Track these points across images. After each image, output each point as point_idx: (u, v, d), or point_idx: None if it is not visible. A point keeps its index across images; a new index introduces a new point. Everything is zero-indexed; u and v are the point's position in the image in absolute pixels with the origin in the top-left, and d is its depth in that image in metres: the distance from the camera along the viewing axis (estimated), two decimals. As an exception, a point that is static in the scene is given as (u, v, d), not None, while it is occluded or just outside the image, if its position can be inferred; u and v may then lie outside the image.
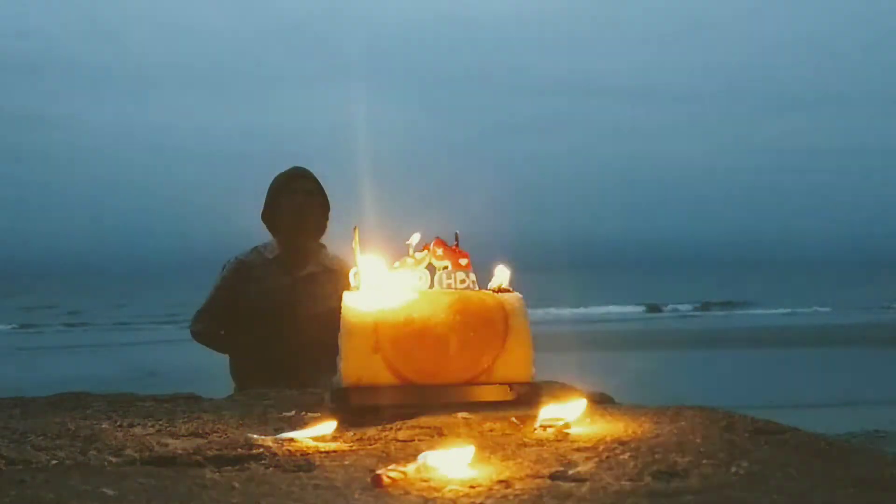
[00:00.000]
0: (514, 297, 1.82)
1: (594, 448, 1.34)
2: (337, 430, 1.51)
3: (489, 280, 1.88)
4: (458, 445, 1.29)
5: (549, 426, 1.52)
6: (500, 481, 1.15)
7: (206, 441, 1.44)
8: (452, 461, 1.24)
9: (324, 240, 3.33)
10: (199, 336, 3.26)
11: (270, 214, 3.28)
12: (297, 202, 3.19)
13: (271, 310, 3.10)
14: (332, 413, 1.66)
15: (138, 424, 1.62)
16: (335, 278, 2.96)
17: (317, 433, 1.47)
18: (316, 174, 3.29)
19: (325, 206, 3.28)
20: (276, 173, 3.33)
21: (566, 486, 1.12)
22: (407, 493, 1.10)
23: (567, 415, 1.54)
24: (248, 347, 3.15)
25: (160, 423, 1.64)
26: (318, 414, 1.69)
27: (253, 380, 2.84)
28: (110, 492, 1.10)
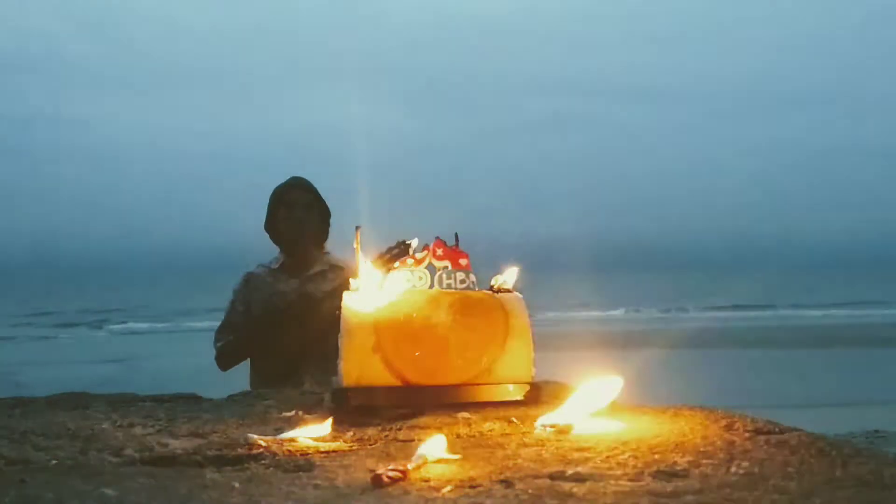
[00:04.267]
0: (514, 297, 1.82)
1: (594, 448, 1.34)
2: (337, 430, 1.51)
3: (492, 279, 1.88)
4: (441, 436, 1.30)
5: (550, 426, 1.51)
6: (500, 481, 1.14)
7: (206, 441, 1.44)
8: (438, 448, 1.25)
9: (326, 246, 3.37)
10: (220, 353, 3.29)
11: (271, 226, 3.33)
12: (296, 216, 3.24)
13: (283, 306, 3.15)
14: (331, 413, 1.66)
15: (138, 424, 1.62)
16: (343, 273, 3.00)
17: (314, 433, 1.47)
18: (313, 182, 3.32)
19: (324, 216, 3.32)
20: (278, 174, 3.37)
21: (566, 486, 1.11)
22: (407, 493, 1.10)
23: (600, 399, 1.54)
24: (264, 349, 3.18)
25: (160, 423, 1.64)
26: (315, 415, 1.69)
27: (270, 383, 2.86)
28: (110, 492, 1.10)
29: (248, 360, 3.30)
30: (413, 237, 1.87)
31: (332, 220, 3.34)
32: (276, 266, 3.29)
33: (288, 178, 3.31)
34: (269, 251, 3.39)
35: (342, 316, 1.74)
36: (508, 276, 1.87)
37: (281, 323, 3.12)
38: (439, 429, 1.52)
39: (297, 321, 3.08)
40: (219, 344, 3.28)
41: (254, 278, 3.31)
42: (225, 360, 3.27)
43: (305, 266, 3.26)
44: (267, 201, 3.26)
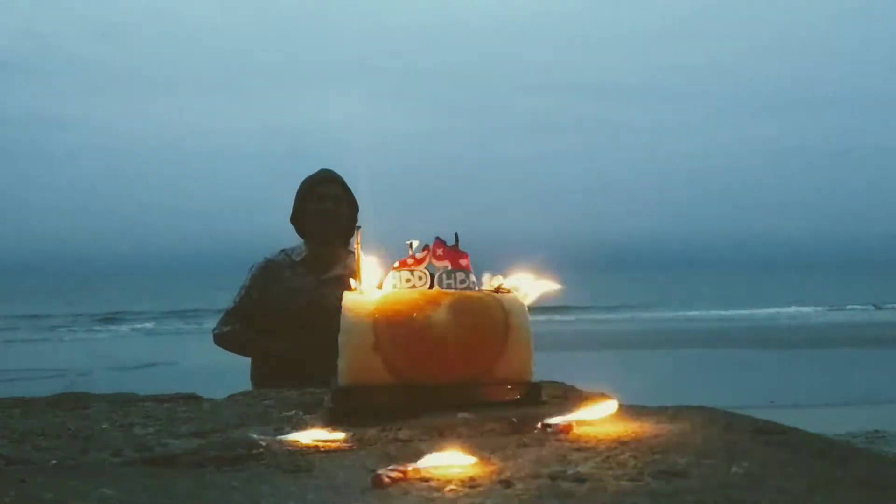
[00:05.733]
0: (514, 297, 1.82)
1: (594, 448, 1.34)
2: (337, 430, 1.51)
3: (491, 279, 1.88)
4: (458, 451, 1.29)
5: (550, 426, 1.51)
6: (500, 481, 1.14)
7: (206, 441, 1.44)
8: (451, 463, 1.25)
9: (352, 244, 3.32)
10: (221, 338, 3.25)
11: (298, 219, 3.28)
12: (325, 208, 3.19)
13: (295, 310, 3.11)
14: (332, 413, 1.66)
15: (138, 424, 1.62)
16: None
17: (315, 435, 1.47)
18: (344, 176, 3.28)
19: (353, 211, 3.27)
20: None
21: (566, 486, 1.12)
22: (407, 493, 1.10)
23: (596, 415, 1.56)
24: (271, 349, 3.15)
25: (160, 423, 1.64)
26: (315, 415, 1.69)
27: (274, 382, 2.83)
28: (110, 492, 1.10)
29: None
30: (413, 237, 1.87)
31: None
32: (298, 259, 3.25)
33: (317, 170, 3.28)
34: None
35: (342, 315, 1.74)
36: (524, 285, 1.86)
37: (288, 328, 3.08)
38: (439, 429, 1.52)
39: (304, 330, 3.05)
40: (226, 328, 3.24)
41: (273, 267, 3.26)
42: (224, 345, 3.25)
43: (328, 264, 3.22)
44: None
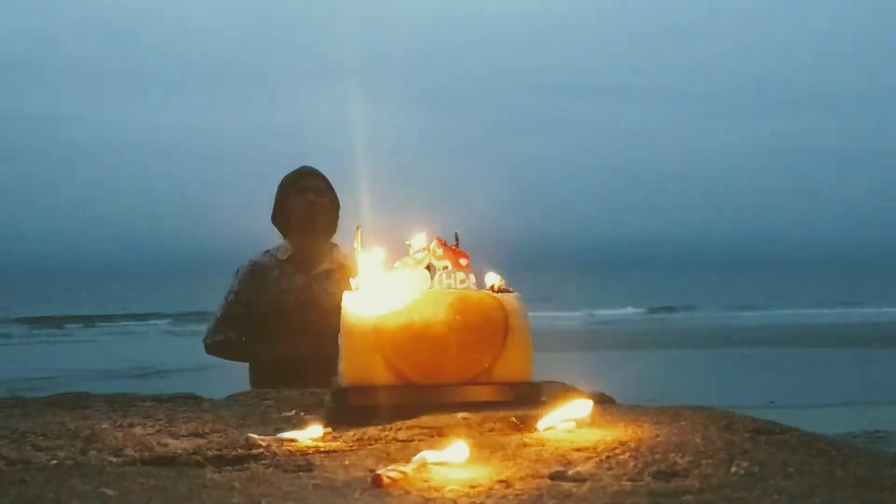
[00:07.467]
0: (514, 297, 1.82)
1: (594, 448, 1.34)
2: (336, 430, 1.51)
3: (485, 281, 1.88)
4: (453, 443, 1.29)
5: (550, 427, 1.51)
6: (500, 481, 1.15)
7: (206, 441, 1.44)
8: (450, 458, 1.24)
9: (334, 238, 3.30)
10: (213, 347, 3.20)
11: (280, 216, 3.25)
12: (307, 201, 3.16)
13: (289, 309, 3.08)
14: (330, 413, 1.66)
15: (138, 424, 1.62)
16: (351, 274, 2.95)
17: (308, 434, 1.47)
18: (324, 172, 3.27)
19: (334, 205, 3.24)
20: (279, 173, 3.32)
21: (566, 486, 1.12)
22: (407, 493, 1.10)
23: (572, 415, 1.54)
24: (268, 354, 3.12)
25: (160, 423, 1.64)
26: (315, 415, 1.69)
27: (275, 382, 2.81)
28: (110, 492, 1.10)
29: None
30: (413, 237, 1.87)
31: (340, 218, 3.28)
32: (284, 257, 3.20)
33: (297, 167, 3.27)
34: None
35: (342, 316, 1.74)
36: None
37: (283, 329, 3.06)
38: (439, 429, 1.52)
39: (299, 331, 3.03)
40: (218, 337, 3.16)
41: (260, 270, 3.18)
42: (218, 354, 3.19)
43: (314, 259, 3.18)
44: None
